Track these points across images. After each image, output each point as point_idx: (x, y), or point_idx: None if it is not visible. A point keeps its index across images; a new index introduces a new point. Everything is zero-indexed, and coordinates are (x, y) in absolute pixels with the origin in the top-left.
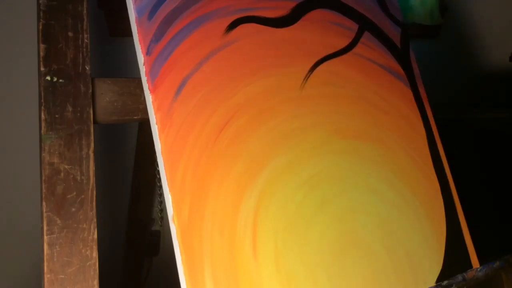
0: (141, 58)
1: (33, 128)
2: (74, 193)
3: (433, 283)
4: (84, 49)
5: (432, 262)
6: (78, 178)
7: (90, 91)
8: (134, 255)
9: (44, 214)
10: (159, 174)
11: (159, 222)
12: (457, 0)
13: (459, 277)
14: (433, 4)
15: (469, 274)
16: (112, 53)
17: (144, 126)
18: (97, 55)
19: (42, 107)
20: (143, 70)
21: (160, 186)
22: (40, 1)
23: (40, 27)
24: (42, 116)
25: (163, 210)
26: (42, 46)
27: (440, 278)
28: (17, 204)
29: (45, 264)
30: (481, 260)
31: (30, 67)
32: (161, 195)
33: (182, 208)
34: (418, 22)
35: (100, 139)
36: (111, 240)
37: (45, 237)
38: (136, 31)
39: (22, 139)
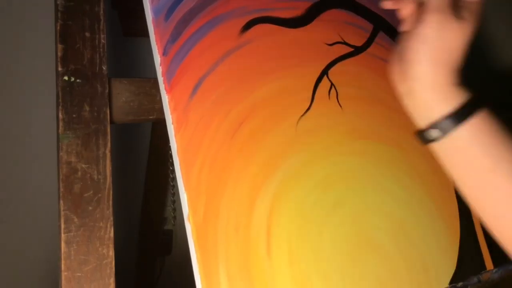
0: (157, 58)
1: (51, 127)
2: (91, 191)
3: (446, 284)
4: (101, 49)
5: (445, 263)
6: (95, 177)
7: (107, 91)
8: (147, 254)
9: (62, 213)
10: (172, 173)
11: (172, 221)
12: None
13: (475, 279)
14: None
15: (484, 276)
16: (125, 53)
17: (158, 126)
18: (110, 55)
19: (60, 107)
20: (159, 70)
21: (173, 186)
22: (58, 2)
23: (58, 27)
24: (60, 115)
25: (176, 209)
26: (59, 46)
27: (453, 279)
28: (34, 203)
29: (62, 262)
30: (497, 262)
31: (48, 67)
32: (174, 194)
33: (197, 207)
34: None
35: (114, 138)
36: (124, 239)
37: (62, 235)
38: (153, 32)
39: (40, 138)
